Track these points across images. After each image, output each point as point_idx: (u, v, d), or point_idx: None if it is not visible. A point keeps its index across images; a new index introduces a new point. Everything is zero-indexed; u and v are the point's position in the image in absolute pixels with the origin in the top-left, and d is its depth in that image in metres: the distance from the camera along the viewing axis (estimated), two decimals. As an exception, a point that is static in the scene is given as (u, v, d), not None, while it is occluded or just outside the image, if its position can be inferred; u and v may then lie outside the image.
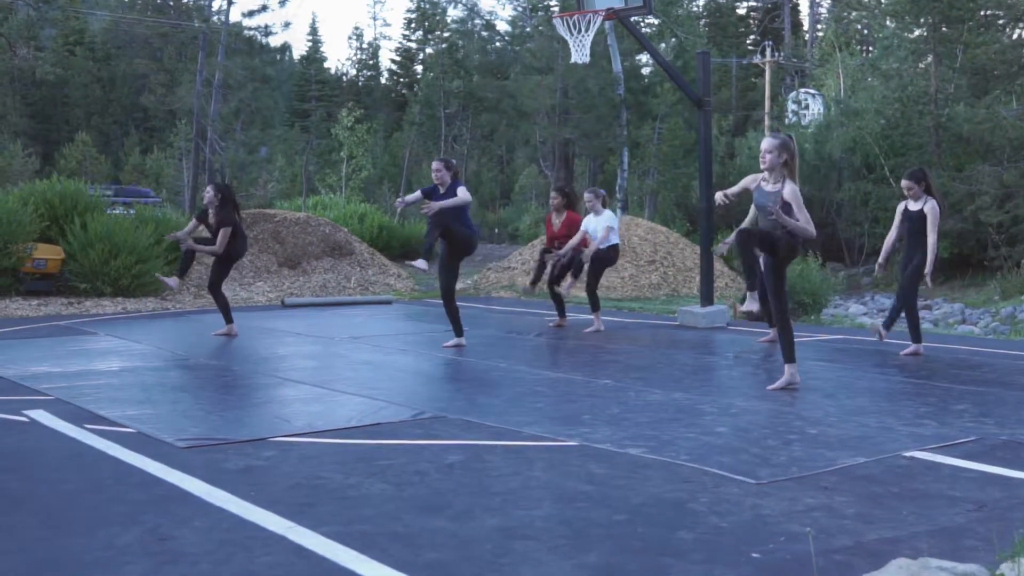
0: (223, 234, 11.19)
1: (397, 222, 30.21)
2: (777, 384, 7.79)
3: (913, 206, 9.55)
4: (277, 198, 39.00)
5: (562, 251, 11.72)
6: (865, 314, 17.20)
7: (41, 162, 45.05)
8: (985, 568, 3.56)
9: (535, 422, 6.59)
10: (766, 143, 7.43)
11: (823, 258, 19.04)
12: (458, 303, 10.79)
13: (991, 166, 22.34)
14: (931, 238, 9.31)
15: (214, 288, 11.68)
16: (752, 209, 7.91)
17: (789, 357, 7.75)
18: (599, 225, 11.83)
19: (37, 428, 6.55)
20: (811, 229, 7.31)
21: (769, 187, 7.41)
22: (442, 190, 10.18)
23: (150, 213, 18.33)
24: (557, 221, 12.20)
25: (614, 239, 11.96)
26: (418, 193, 10.46)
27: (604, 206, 11.99)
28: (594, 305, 12.12)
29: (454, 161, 10.56)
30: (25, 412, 6.99)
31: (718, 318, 12.89)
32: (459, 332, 10.49)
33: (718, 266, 19.26)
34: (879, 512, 4.56)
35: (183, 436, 6.21)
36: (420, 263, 10.07)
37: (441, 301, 10.66)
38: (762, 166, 7.43)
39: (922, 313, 18.13)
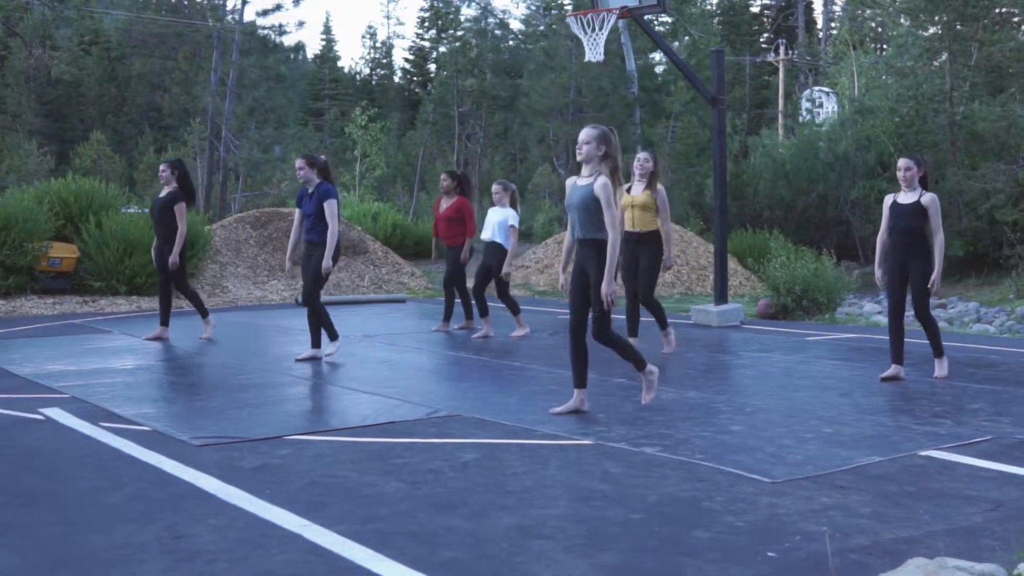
0: (179, 211, 10.74)
1: (411, 220, 30.22)
2: (561, 408, 6.92)
3: (904, 198, 8.20)
4: (291, 197, 39.05)
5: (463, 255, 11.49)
6: (880, 312, 17.13)
7: (56, 161, 45.11)
8: (1003, 568, 3.54)
9: (550, 420, 6.59)
10: (584, 133, 6.73)
11: (837, 256, 18.96)
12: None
13: (1006, 164, 22.23)
14: (939, 237, 8.10)
15: (183, 286, 11.13)
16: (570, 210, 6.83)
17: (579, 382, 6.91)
18: (496, 217, 11.38)
19: (53, 426, 6.57)
20: (614, 234, 6.56)
21: (582, 181, 6.74)
22: (310, 188, 9.42)
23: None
24: (446, 203, 11.75)
25: (506, 240, 11.31)
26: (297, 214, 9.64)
27: (512, 203, 11.45)
28: (512, 308, 11.53)
29: (321, 157, 9.70)
30: (41, 410, 7.03)
31: (732, 316, 12.87)
32: (316, 343, 9.57)
33: (732, 265, 19.21)
34: (895, 511, 4.54)
35: (198, 434, 6.23)
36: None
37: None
38: (578, 157, 6.73)
39: (937, 312, 18.05)
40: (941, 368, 8.33)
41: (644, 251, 9.69)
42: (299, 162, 9.54)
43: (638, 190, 9.73)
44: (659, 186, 9.78)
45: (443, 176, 12.10)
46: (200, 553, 4.04)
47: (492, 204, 11.71)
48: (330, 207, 9.26)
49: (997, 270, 22.33)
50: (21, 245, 15.43)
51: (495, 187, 11.70)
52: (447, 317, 11.99)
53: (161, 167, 11.22)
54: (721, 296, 13.20)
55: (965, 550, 3.95)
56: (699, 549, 4.04)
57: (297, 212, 9.62)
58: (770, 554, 3.98)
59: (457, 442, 6.02)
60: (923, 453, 5.64)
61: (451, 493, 4.89)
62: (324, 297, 9.16)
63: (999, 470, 5.27)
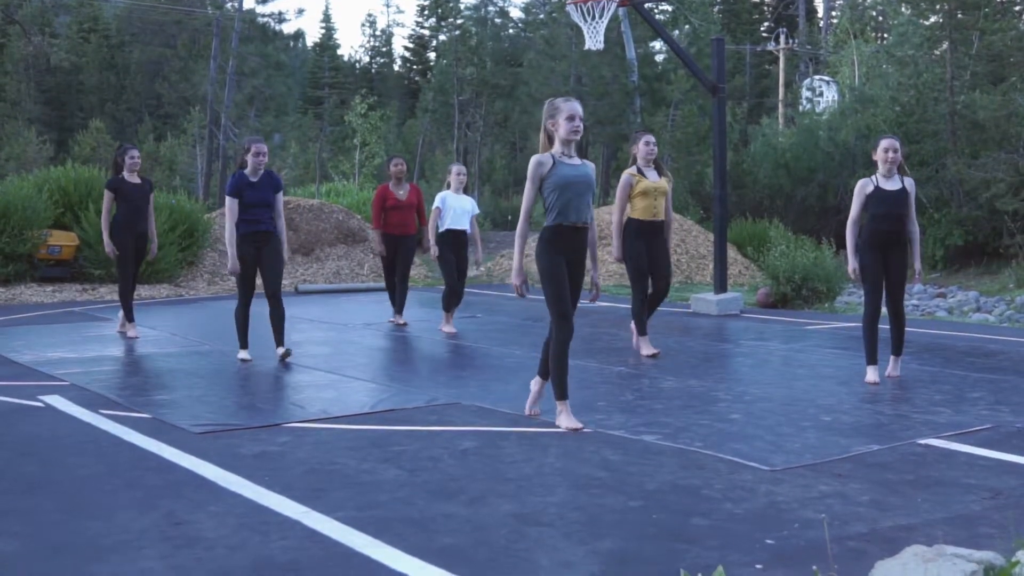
0: (152, 200, 10.43)
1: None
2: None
3: (888, 184, 7.53)
4: (291, 185, 39.02)
5: (429, 246, 10.66)
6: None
7: (55, 149, 45.11)
8: (1001, 555, 3.54)
9: (549, 409, 6.59)
10: (581, 109, 6.07)
11: (836, 245, 18.96)
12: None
13: (1007, 153, 22.19)
14: (915, 227, 7.62)
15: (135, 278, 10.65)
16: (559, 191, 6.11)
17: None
18: (459, 204, 10.53)
19: (53, 413, 6.58)
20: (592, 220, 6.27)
21: (572, 160, 6.11)
22: (260, 173, 8.64)
23: (164, 200, 18.36)
24: (400, 192, 10.98)
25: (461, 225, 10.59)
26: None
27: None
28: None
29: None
30: (41, 397, 7.03)
31: (731, 305, 12.87)
32: (243, 344, 8.84)
33: (732, 253, 19.21)
34: (893, 499, 4.55)
35: (198, 422, 6.24)
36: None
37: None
38: (576, 135, 6.01)
39: (936, 301, 18.05)
40: (896, 367, 7.82)
41: (659, 239, 9.01)
42: (264, 147, 8.71)
43: (655, 176, 9.02)
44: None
45: (398, 161, 11.15)
46: (199, 539, 4.05)
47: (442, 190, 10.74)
48: (281, 197, 8.86)
49: (997, 259, 22.34)
50: (21, 233, 15.43)
51: (459, 169, 10.74)
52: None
53: (134, 153, 10.33)
54: (720, 285, 13.19)
55: (963, 538, 3.96)
56: (697, 536, 4.05)
57: (233, 203, 8.53)
58: (768, 541, 3.98)
59: (456, 430, 6.02)
60: (922, 441, 5.65)
61: (450, 480, 4.89)
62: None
63: (997, 458, 5.27)
